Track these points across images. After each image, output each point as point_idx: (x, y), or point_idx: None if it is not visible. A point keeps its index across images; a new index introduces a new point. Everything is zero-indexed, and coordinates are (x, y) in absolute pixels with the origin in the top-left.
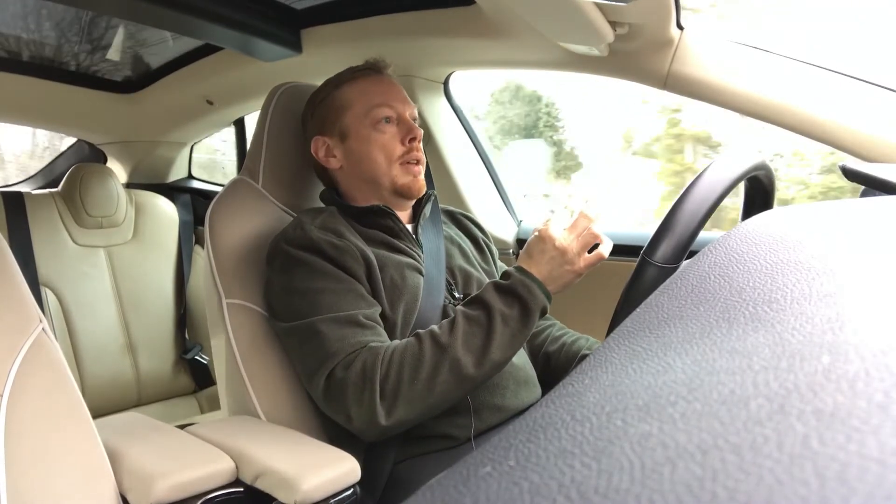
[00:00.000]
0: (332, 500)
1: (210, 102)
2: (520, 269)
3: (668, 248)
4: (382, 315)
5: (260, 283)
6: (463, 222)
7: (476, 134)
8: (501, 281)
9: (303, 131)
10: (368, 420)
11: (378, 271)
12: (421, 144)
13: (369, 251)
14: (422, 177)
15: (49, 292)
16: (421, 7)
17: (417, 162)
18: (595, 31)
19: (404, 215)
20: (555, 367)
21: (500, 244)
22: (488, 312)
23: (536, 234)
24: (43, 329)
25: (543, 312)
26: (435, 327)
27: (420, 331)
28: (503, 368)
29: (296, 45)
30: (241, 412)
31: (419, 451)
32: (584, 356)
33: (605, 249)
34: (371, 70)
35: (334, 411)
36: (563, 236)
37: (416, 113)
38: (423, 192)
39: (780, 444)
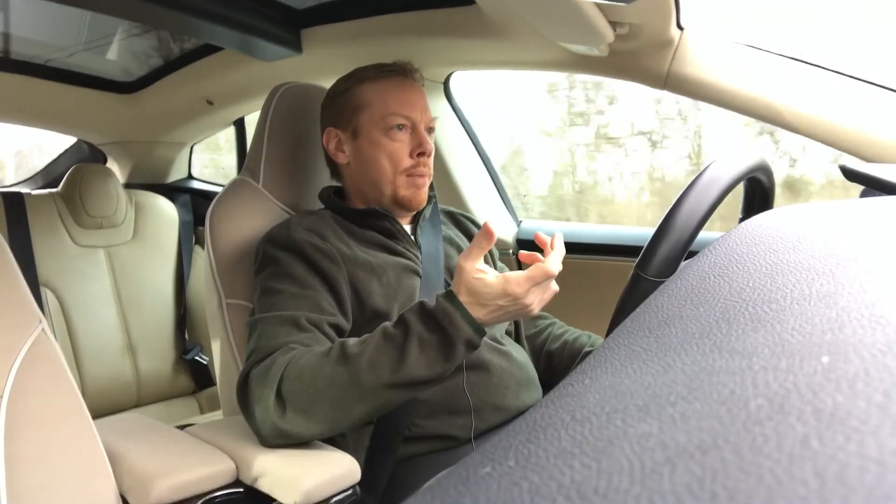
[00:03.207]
0: (333, 501)
1: (210, 102)
2: (447, 294)
3: (661, 261)
4: (377, 315)
5: None
6: (463, 223)
7: (476, 134)
8: (427, 303)
9: (320, 121)
10: (264, 418)
11: (363, 276)
12: (430, 160)
13: (360, 254)
14: (425, 190)
15: (49, 292)
16: (421, 7)
17: (422, 175)
18: (595, 32)
19: (403, 217)
20: (557, 366)
21: (500, 244)
22: (406, 333)
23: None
24: (43, 329)
25: (470, 345)
26: (350, 339)
27: (339, 340)
28: (430, 387)
29: (296, 45)
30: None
31: (420, 451)
32: (588, 353)
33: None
34: (397, 73)
35: (241, 406)
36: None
37: (433, 123)
38: (424, 205)
39: (779, 444)
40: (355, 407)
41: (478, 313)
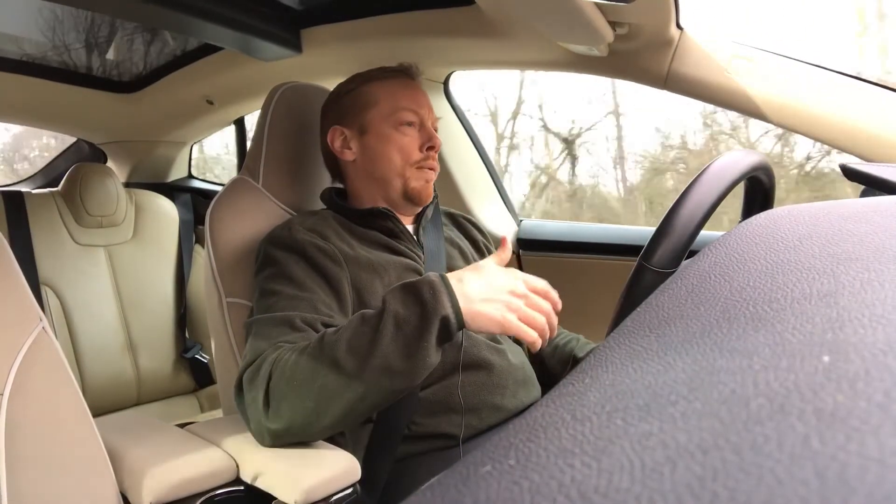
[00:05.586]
0: (332, 499)
1: (210, 102)
2: (439, 274)
3: (666, 252)
4: None
5: None
6: (464, 225)
7: (476, 134)
8: (410, 280)
9: (321, 122)
10: (257, 421)
11: (365, 276)
12: (437, 155)
13: (361, 254)
14: (431, 185)
15: (49, 291)
16: (421, 7)
17: (431, 169)
18: (595, 31)
19: (406, 217)
20: (549, 369)
21: None
22: (382, 311)
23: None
24: (43, 328)
25: (445, 327)
26: (330, 328)
27: (320, 332)
28: (416, 378)
29: (296, 45)
30: None
31: (419, 450)
32: (578, 359)
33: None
34: (403, 73)
35: (239, 409)
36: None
37: (437, 124)
38: (429, 201)
39: (780, 444)
40: (344, 393)
41: (459, 288)
